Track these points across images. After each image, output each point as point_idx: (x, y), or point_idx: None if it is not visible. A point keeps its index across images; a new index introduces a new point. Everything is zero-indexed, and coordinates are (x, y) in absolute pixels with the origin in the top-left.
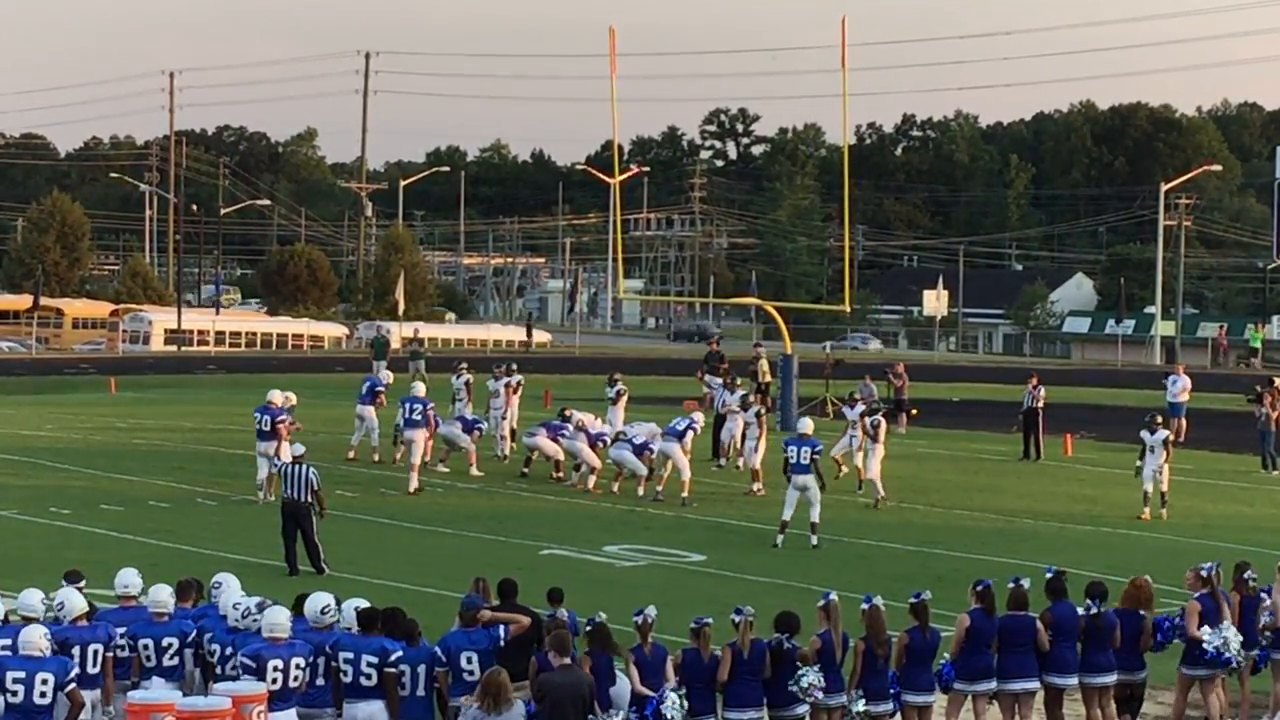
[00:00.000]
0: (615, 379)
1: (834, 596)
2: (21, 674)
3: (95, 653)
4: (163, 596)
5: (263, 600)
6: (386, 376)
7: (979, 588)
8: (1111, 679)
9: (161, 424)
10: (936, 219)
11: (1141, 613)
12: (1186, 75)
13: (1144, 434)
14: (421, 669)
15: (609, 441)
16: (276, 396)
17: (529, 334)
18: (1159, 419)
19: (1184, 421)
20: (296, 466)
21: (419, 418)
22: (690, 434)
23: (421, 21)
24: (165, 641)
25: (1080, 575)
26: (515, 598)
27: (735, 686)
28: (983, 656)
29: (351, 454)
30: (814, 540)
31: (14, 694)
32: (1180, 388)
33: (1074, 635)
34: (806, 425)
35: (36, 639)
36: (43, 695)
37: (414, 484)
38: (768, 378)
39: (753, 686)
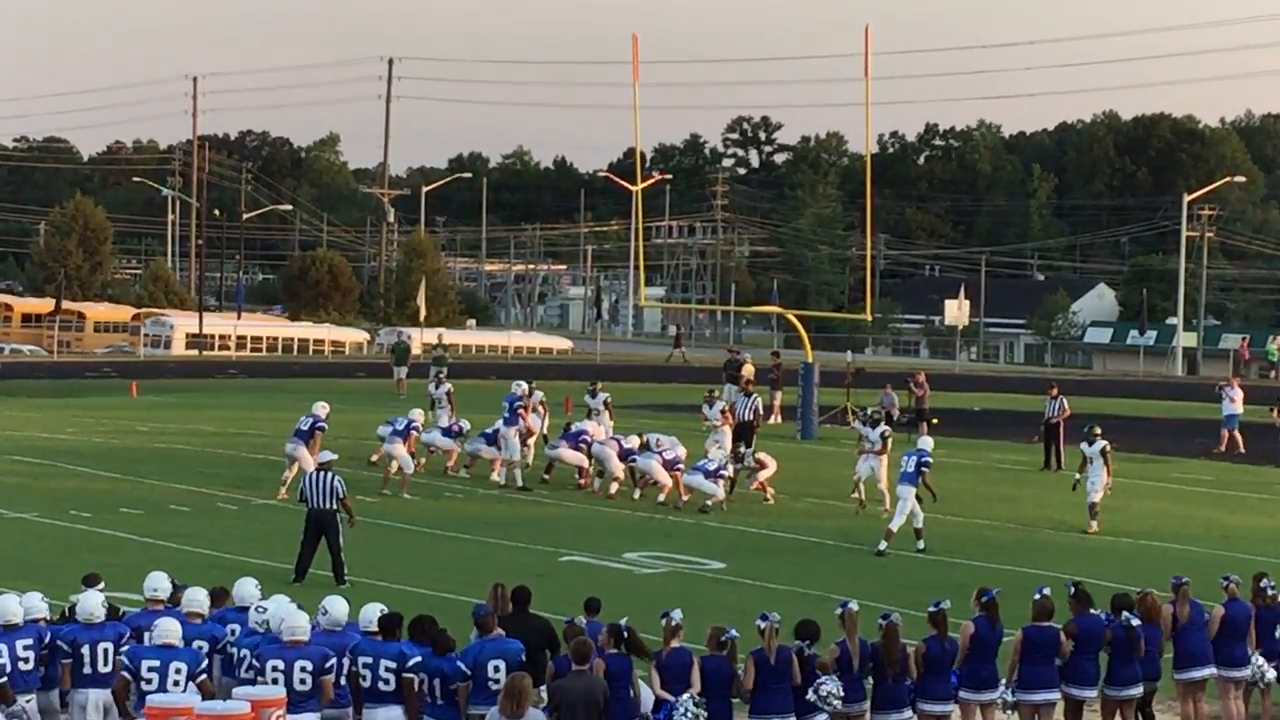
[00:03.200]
0: (596, 389)
1: (853, 605)
2: (156, 661)
3: (105, 652)
4: (199, 598)
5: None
6: (418, 415)
7: (984, 599)
8: (1137, 691)
9: (182, 428)
10: (958, 228)
11: (1158, 623)
12: (1210, 86)
13: (1083, 445)
14: (442, 679)
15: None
16: (322, 408)
17: (678, 343)
18: (1097, 430)
19: (1238, 435)
20: (323, 474)
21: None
22: (722, 480)
23: (444, 27)
24: (195, 643)
25: (1101, 586)
26: (528, 605)
27: (762, 695)
28: (987, 665)
29: (375, 458)
30: (920, 545)
31: (148, 681)
32: (1235, 399)
33: (1097, 648)
34: (924, 442)
35: (174, 628)
36: (176, 684)
37: (520, 479)
38: (750, 386)
39: (781, 694)
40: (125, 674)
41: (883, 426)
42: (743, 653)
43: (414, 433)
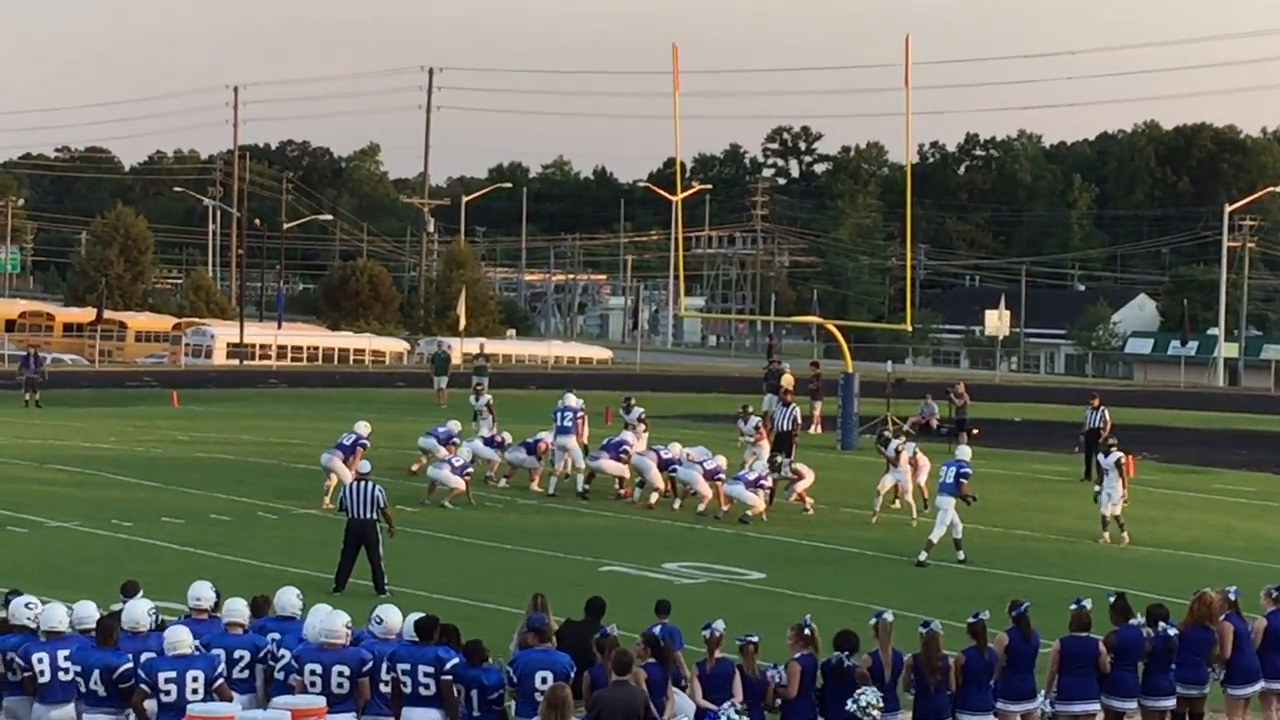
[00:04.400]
0: (631, 404)
1: (887, 615)
2: (172, 673)
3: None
4: (239, 608)
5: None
6: (456, 425)
7: (1014, 612)
8: (1171, 703)
9: (223, 438)
10: (999, 238)
11: (1209, 627)
12: (1252, 96)
13: (1099, 457)
14: (479, 689)
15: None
16: (364, 427)
17: (770, 354)
18: (1112, 442)
19: None
20: (362, 484)
21: (570, 424)
22: (762, 490)
23: (485, 37)
24: (237, 653)
25: (1142, 597)
26: (601, 616)
27: (796, 703)
28: (1024, 676)
29: (415, 467)
30: (960, 555)
31: (167, 693)
32: None
33: (1137, 659)
34: (963, 451)
35: (184, 638)
36: (194, 693)
37: (580, 485)
38: (789, 395)
39: (810, 705)
40: (143, 687)
41: (894, 442)
42: (764, 660)
43: (455, 442)
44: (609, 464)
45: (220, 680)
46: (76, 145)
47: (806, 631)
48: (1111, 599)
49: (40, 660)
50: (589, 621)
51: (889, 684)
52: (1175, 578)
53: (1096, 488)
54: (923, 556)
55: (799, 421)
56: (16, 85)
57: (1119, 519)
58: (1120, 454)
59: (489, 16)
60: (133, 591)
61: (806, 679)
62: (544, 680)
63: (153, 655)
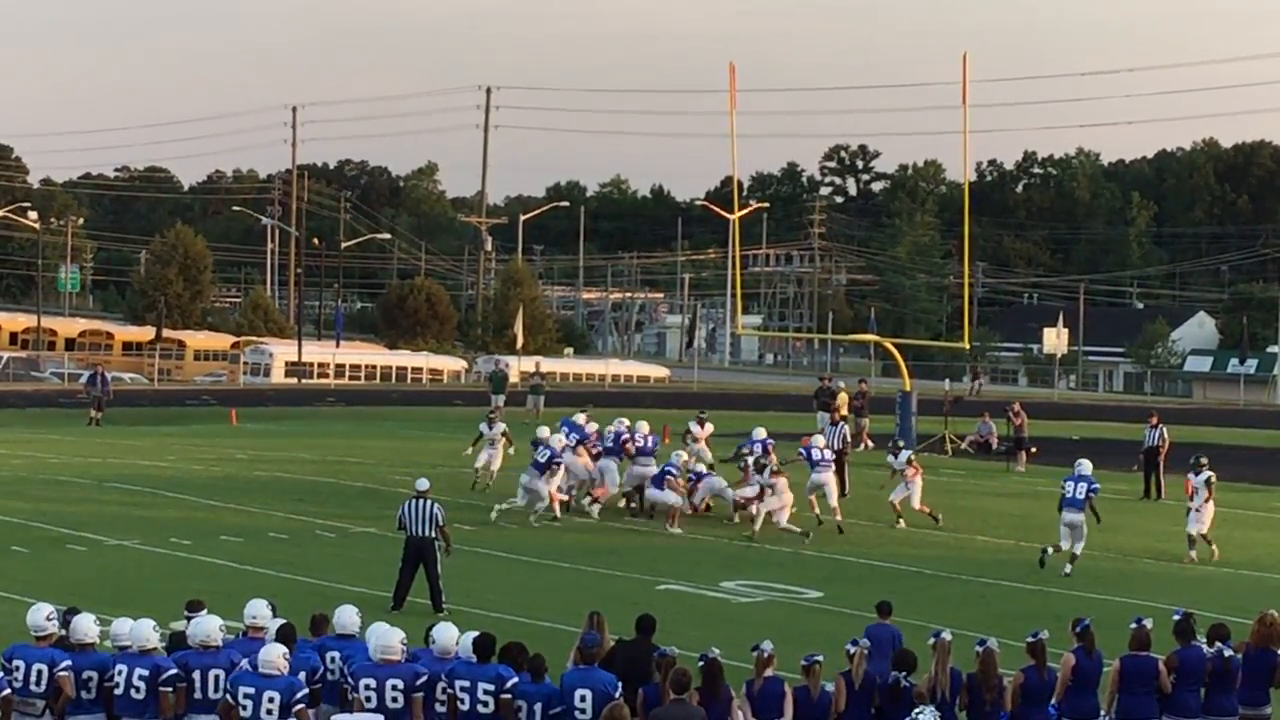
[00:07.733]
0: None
1: (945, 635)
2: (251, 689)
3: (217, 678)
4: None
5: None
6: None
7: (1078, 628)
8: None
9: (281, 456)
10: (1057, 256)
11: (1275, 650)
12: None
13: (1190, 475)
14: (539, 705)
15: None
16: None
17: (975, 375)
18: (1202, 460)
19: None
20: (421, 501)
21: (612, 444)
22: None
23: (542, 56)
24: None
25: (1202, 616)
26: (650, 634)
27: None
28: (1089, 696)
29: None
30: (1068, 569)
31: (244, 708)
32: None
33: (1200, 679)
34: (1085, 465)
35: (275, 658)
36: (269, 713)
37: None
38: (843, 413)
39: None
40: (229, 697)
41: (906, 453)
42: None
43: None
44: (657, 495)
45: (301, 705)
46: (136, 165)
47: (850, 650)
48: (1176, 618)
49: (120, 672)
50: (640, 640)
51: (945, 704)
52: (1234, 597)
53: (1189, 505)
54: (1068, 569)
55: (849, 440)
56: (77, 105)
57: (1206, 537)
58: (1210, 473)
59: (547, 36)
60: (198, 608)
61: (864, 695)
62: (583, 699)
63: (243, 670)
